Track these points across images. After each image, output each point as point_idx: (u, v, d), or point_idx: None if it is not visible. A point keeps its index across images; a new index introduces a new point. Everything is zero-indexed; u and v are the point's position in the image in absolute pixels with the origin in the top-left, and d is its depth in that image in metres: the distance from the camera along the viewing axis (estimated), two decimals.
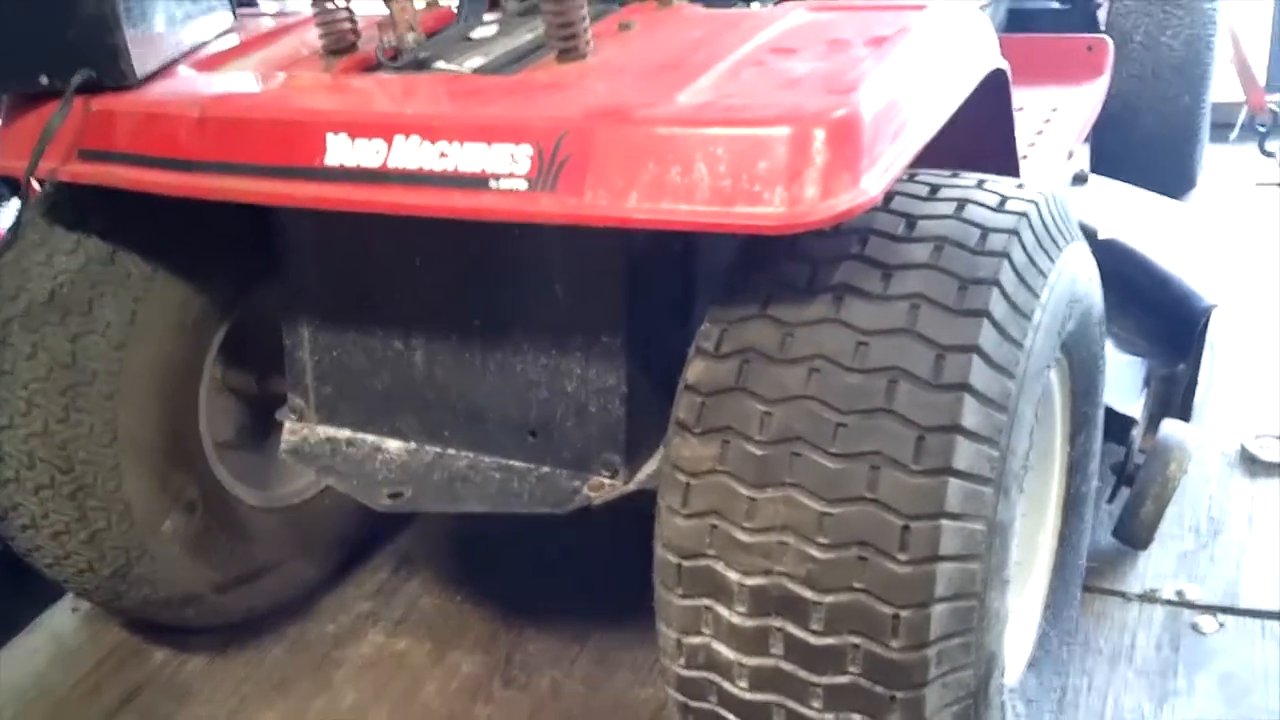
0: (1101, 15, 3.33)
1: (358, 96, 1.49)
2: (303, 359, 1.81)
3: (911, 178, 1.40)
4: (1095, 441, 1.74)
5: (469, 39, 1.72)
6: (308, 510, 2.15)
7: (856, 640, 1.19)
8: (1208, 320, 2.14)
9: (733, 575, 1.24)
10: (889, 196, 1.35)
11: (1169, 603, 2.00)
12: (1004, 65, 1.56)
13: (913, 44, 1.36)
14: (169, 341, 1.81)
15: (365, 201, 1.35)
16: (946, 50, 1.43)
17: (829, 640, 1.20)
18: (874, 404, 1.19)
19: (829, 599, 1.19)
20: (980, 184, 1.39)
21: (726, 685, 1.28)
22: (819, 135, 1.17)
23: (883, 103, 1.24)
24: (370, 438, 1.78)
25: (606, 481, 1.59)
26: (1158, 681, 1.86)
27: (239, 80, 1.60)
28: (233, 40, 1.81)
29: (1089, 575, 2.07)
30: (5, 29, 1.56)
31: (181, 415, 1.87)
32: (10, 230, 1.83)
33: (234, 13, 1.89)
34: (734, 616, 1.25)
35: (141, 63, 1.60)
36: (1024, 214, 1.33)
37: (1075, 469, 1.70)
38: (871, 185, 1.20)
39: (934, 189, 1.37)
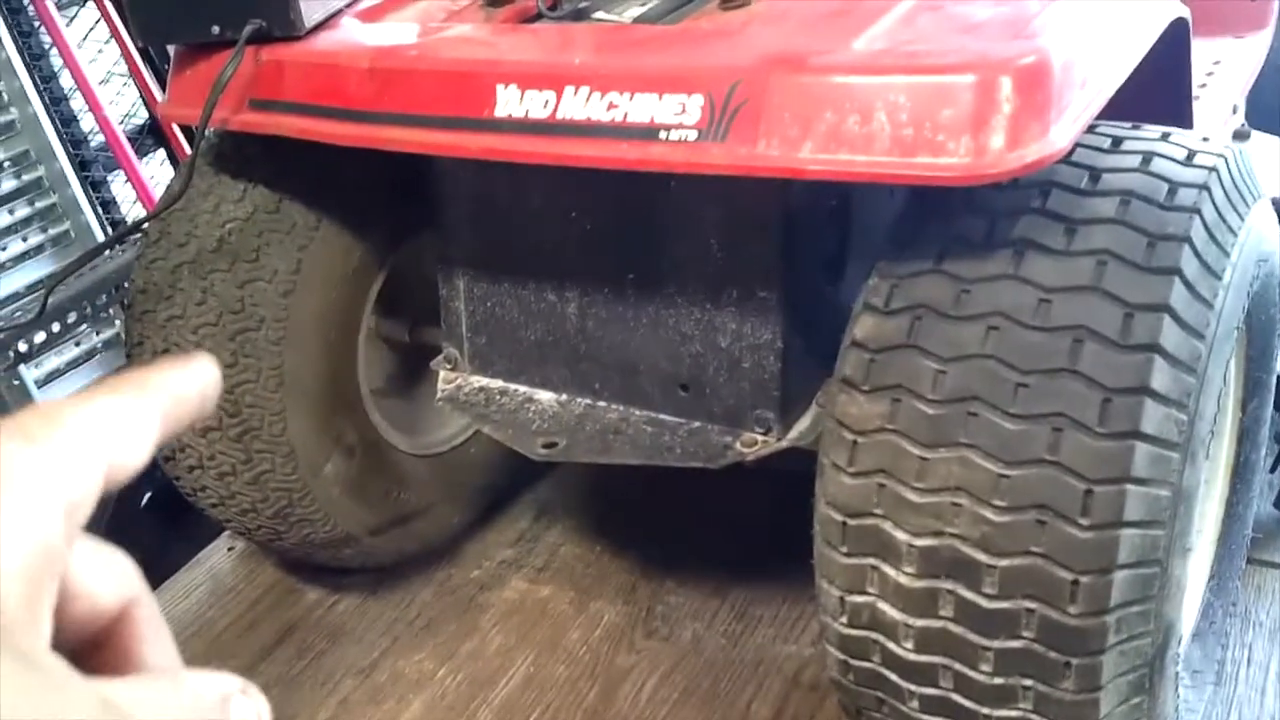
0: None
1: (524, 47, 1.49)
2: (458, 309, 1.84)
3: (1092, 129, 1.35)
4: (1267, 408, 1.67)
5: None
6: (455, 458, 2.19)
7: (1032, 605, 1.16)
8: None
9: (901, 535, 1.22)
10: (1070, 149, 1.30)
11: None
12: (1185, 13, 1.48)
13: None
14: (331, 290, 1.85)
15: (534, 153, 1.36)
16: None
17: (1002, 604, 1.18)
18: (1057, 364, 1.15)
19: (1004, 562, 1.17)
20: (1165, 137, 1.33)
21: (891, 645, 1.27)
22: (1007, 82, 1.13)
23: (1070, 49, 1.19)
24: (522, 388, 1.81)
25: (760, 438, 1.58)
26: None
27: (403, 31, 1.62)
28: None
29: (1250, 546, 2.00)
30: None
31: (342, 362, 1.92)
32: (176, 180, 1.89)
33: None
34: (902, 577, 1.23)
35: (309, 13, 1.63)
36: (1214, 169, 1.27)
37: (1246, 436, 1.64)
38: (1060, 136, 1.16)
39: (1117, 141, 1.32)
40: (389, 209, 1.91)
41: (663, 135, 1.27)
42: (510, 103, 1.37)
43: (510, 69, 1.38)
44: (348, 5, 1.75)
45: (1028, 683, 1.19)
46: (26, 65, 2.97)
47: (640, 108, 1.28)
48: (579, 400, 1.75)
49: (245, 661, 2.14)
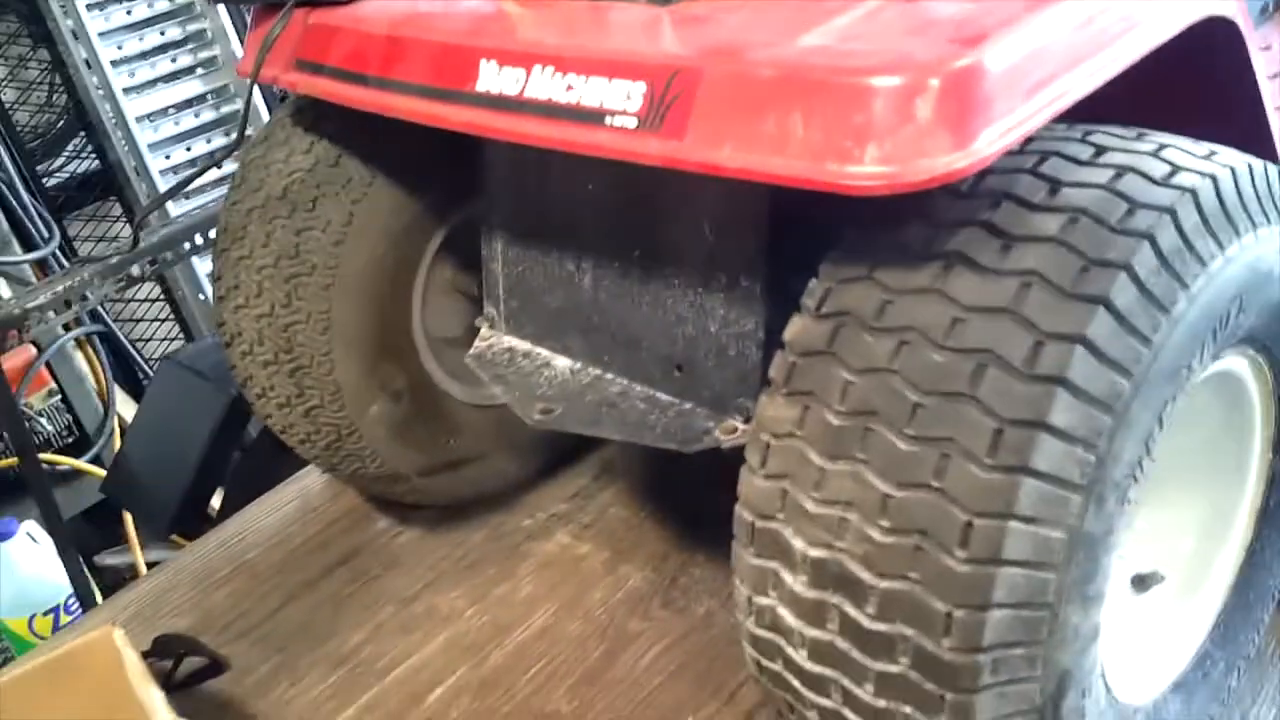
0: None
1: (519, 23, 1.52)
2: (496, 271, 1.91)
3: (1084, 136, 1.26)
4: None
5: None
6: (510, 411, 2.27)
7: (908, 631, 1.13)
8: None
9: (798, 544, 1.20)
10: (1042, 156, 1.22)
11: None
12: (1230, 13, 1.34)
13: None
14: (382, 243, 1.95)
15: (502, 130, 1.39)
16: None
17: (881, 626, 1.14)
18: (957, 387, 1.10)
19: (884, 584, 1.13)
20: (1158, 150, 1.22)
21: (790, 651, 1.26)
22: (923, 89, 1.07)
23: (1019, 54, 1.11)
24: (544, 352, 1.86)
25: (740, 426, 1.57)
26: None
27: (433, 2, 1.68)
28: None
29: None
30: None
31: (393, 312, 2.02)
32: (258, 130, 2.02)
33: None
34: (797, 585, 1.22)
35: None
36: (1190, 190, 1.15)
37: (1277, 481, 1.49)
38: (985, 146, 1.09)
39: (1100, 151, 1.22)
40: (447, 169, 1.98)
41: (608, 120, 1.28)
42: (489, 78, 1.41)
43: (493, 44, 1.42)
44: None
45: (907, 709, 1.16)
46: None
47: (593, 91, 1.29)
48: (590, 370, 1.79)
49: (309, 576, 2.31)
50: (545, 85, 1.34)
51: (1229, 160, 1.22)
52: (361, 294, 1.97)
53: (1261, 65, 1.46)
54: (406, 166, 1.95)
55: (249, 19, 1.90)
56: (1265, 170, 1.26)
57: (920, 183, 1.07)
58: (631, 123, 1.25)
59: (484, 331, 1.96)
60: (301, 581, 2.30)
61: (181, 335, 4.20)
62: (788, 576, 1.22)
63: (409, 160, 1.94)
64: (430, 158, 1.96)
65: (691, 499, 2.32)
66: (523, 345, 1.89)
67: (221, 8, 3.92)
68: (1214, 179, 1.18)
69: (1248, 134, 1.48)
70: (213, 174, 3.54)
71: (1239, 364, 1.35)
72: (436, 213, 2.02)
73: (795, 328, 1.25)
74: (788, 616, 1.24)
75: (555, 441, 2.38)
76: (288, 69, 1.73)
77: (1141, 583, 1.49)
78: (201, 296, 4.05)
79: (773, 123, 1.14)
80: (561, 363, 1.82)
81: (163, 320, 4.21)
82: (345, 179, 1.92)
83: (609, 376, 1.75)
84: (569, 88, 1.32)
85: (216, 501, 3.13)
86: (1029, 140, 1.21)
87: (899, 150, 1.08)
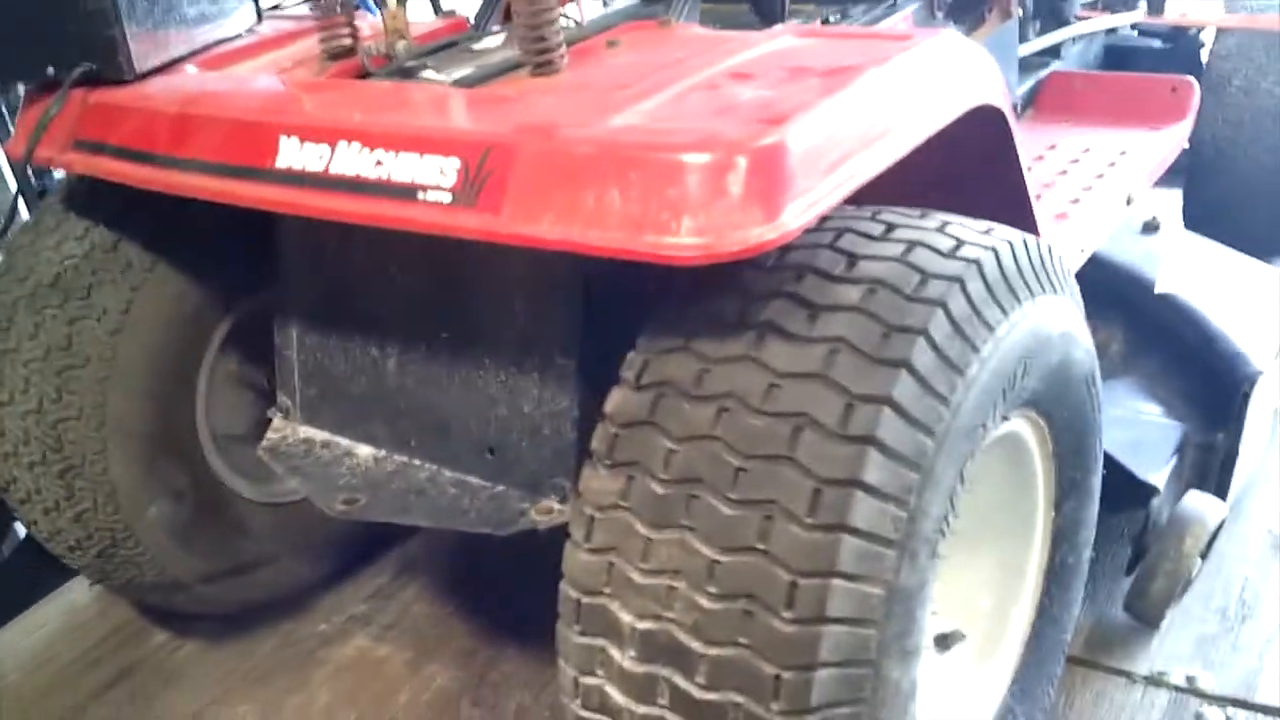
0: (1206, 56, 3.15)
1: (321, 101, 1.50)
2: (291, 359, 1.83)
3: (874, 215, 1.33)
4: (1087, 510, 1.62)
5: (471, 49, 1.72)
6: (306, 507, 2.16)
7: (739, 699, 1.12)
8: (1251, 387, 1.98)
9: (626, 617, 1.19)
10: (838, 233, 1.29)
11: (1177, 689, 1.85)
12: (998, 102, 1.47)
13: (874, 77, 1.29)
14: (163, 332, 1.85)
15: (307, 206, 1.36)
16: (916, 85, 1.35)
17: (712, 695, 1.14)
18: (776, 450, 1.13)
19: (713, 652, 1.13)
20: (942, 226, 1.31)
21: None
22: (734, 165, 1.11)
23: (817, 136, 1.18)
24: (345, 442, 1.79)
25: (556, 506, 1.55)
26: None
27: (228, 80, 1.63)
28: (248, 40, 1.84)
29: (1094, 650, 1.95)
30: (14, 22, 1.62)
31: (175, 405, 1.91)
32: (8, 216, 1.89)
33: (259, 13, 1.93)
34: (625, 660, 1.20)
35: (142, 58, 1.64)
36: (975, 261, 1.24)
37: (1062, 538, 1.59)
38: (791, 219, 1.14)
39: (890, 228, 1.30)
40: (236, 255, 1.90)
41: (420, 196, 1.26)
42: (290, 155, 1.37)
43: (294, 120, 1.38)
44: (196, 52, 1.77)
45: None
46: None
47: (403, 167, 1.28)
48: (395, 457, 1.73)
49: (78, 700, 2.10)
50: (352, 161, 1.32)
51: (1005, 235, 1.32)
52: (140, 387, 1.85)
53: (1024, 152, 1.61)
54: (190, 251, 1.86)
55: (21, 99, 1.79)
56: (1038, 245, 1.38)
57: (734, 252, 1.11)
58: (446, 198, 1.24)
59: (276, 423, 1.87)
60: (71, 706, 2.09)
61: None
62: (616, 653, 1.20)
63: (193, 245, 1.85)
64: (215, 242, 1.87)
65: (499, 590, 2.26)
66: (321, 435, 1.81)
67: None
68: (995, 251, 1.27)
69: (1014, 214, 1.61)
70: None
71: (1023, 426, 1.45)
72: (222, 300, 1.93)
73: (616, 400, 1.25)
74: (616, 695, 1.21)
75: (351, 540, 2.28)
76: (65, 149, 1.63)
77: (944, 641, 1.55)
78: None
79: (591, 197, 1.15)
80: (365, 451, 1.76)
81: None
82: (123, 264, 1.81)
83: (416, 463, 1.70)
84: (378, 163, 1.30)
85: None
86: (825, 219, 1.28)
87: (713, 222, 1.11)
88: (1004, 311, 1.26)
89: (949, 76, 1.40)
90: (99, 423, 1.80)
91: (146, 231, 1.82)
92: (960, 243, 1.27)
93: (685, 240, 1.11)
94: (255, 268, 1.93)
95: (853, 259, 1.24)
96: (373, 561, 2.37)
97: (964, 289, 1.21)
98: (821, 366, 1.15)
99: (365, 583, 2.33)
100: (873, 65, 1.31)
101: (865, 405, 1.12)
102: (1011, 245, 1.30)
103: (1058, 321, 1.38)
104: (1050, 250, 1.40)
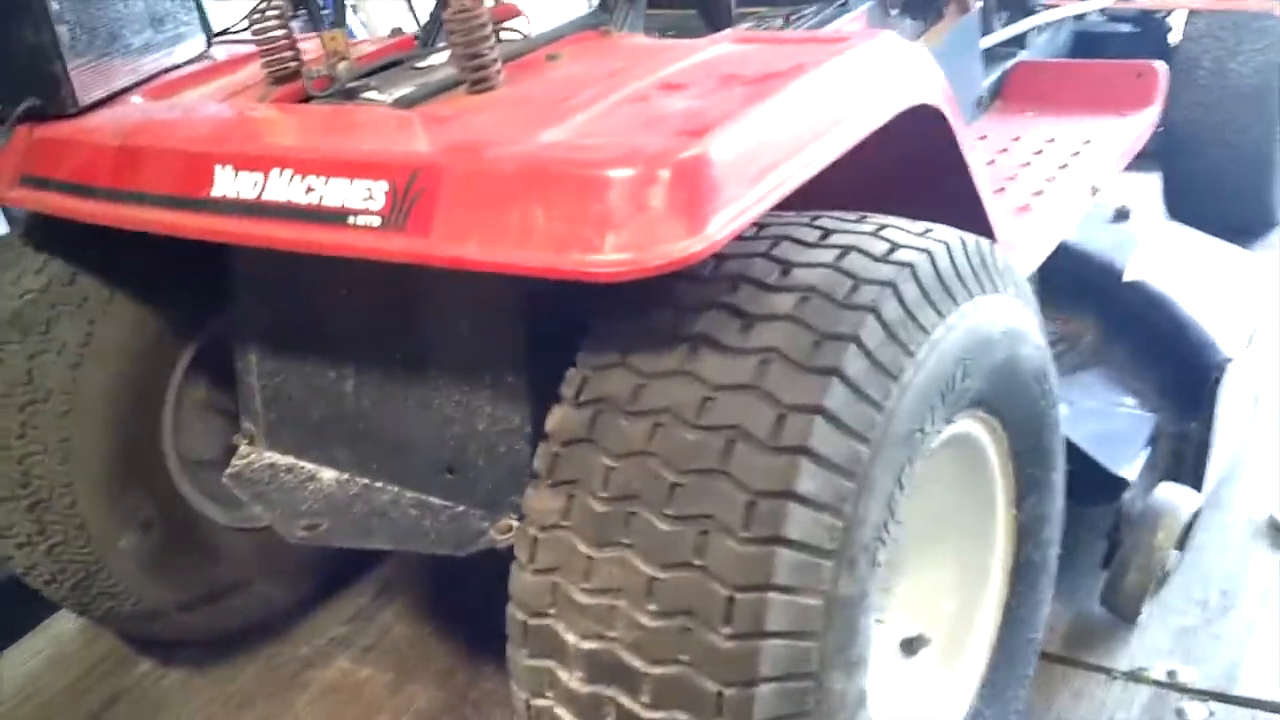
0: (1174, 39, 3.13)
1: (258, 128, 1.50)
2: (252, 384, 1.83)
3: (812, 220, 1.32)
4: (1051, 506, 1.61)
5: (415, 68, 1.72)
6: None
7: (683, 717, 1.11)
8: (1220, 375, 1.96)
9: (570, 638, 1.18)
10: (774, 241, 1.28)
11: (1157, 683, 1.83)
12: (937, 102, 1.46)
13: (804, 83, 1.28)
14: (124, 363, 1.85)
15: (243, 234, 1.36)
16: (848, 89, 1.34)
17: (657, 715, 1.13)
18: (710, 464, 1.12)
19: (656, 670, 1.12)
20: (878, 230, 1.30)
21: None
22: (655, 179, 1.11)
23: (741, 145, 1.17)
24: (309, 465, 1.78)
25: (515, 524, 1.54)
26: None
27: (171, 110, 1.63)
28: (196, 68, 1.84)
29: (1072, 646, 1.93)
30: None
31: (140, 435, 1.91)
32: None
33: (208, 40, 1.93)
34: (573, 681, 1.19)
35: (86, 91, 1.65)
36: (909, 264, 1.23)
37: (1025, 536, 1.58)
38: (717, 230, 1.13)
39: (826, 234, 1.29)
40: (195, 283, 1.90)
41: (351, 220, 1.26)
42: (225, 183, 1.37)
43: (228, 149, 1.38)
44: (143, 82, 1.77)
45: None
46: None
47: (334, 192, 1.28)
48: (358, 480, 1.72)
49: None
50: (284, 188, 1.32)
51: (943, 236, 1.31)
52: (104, 418, 1.85)
53: (974, 151, 1.59)
54: (148, 281, 1.86)
55: None
56: (978, 245, 1.36)
57: (659, 267, 1.10)
58: (375, 221, 1.24)
59: (242, 448, 1.87)
60: None
61: None
62: (563, 674, 1.19)
63: (150, 274, 1.85)
64: (173, 270, 1.87)
65: (479, 607, 2.25)
66: (285, 460, 1.81)
67: None
68: (930, 254, 1.26)
69: (965, 214, 1.60)
70: None
71: (974, 427, 1.43)
72: (184, 327, 1.93)
73: (556, 418, 1.25)
74: (566, 716, 1.21)
75: (328, 562, 2.27)
76: (12, 185, 1.64)
77: (909, 646, 1.54)
78: None
79: (516, 216, 1.15)
80: (327, 475, 1.75)
81: None
82: (81, 297, 1.81)
83: (378, 485, 1.70)
84: (309, 189, 1.30)
85: None
86: (762, 226, 1.27)
87: (637, 237, 1.10)
88: (940, 314, 1.25)
89: (883, 78, 1.39)
90: (63, 457, 1.81)
91: (103, 263, 1.82)
92: (895, 246, 1.26)
93: (610, 256, 1.11)
94: (216, 293, 1.92)
95: (787, 267, 1.23)
96: (352, 584, 2.37)
97: (897, 293, 1.20)
98: (753, 377, 1.14)
99: (345, 605, 2.32)
100: (803, 70, 1.30)
101: (797, 415, 1.11)
102: (948, 246, 1.29)
103: (1001, 320, 1.36)
104: (991, 249, 1.39)
